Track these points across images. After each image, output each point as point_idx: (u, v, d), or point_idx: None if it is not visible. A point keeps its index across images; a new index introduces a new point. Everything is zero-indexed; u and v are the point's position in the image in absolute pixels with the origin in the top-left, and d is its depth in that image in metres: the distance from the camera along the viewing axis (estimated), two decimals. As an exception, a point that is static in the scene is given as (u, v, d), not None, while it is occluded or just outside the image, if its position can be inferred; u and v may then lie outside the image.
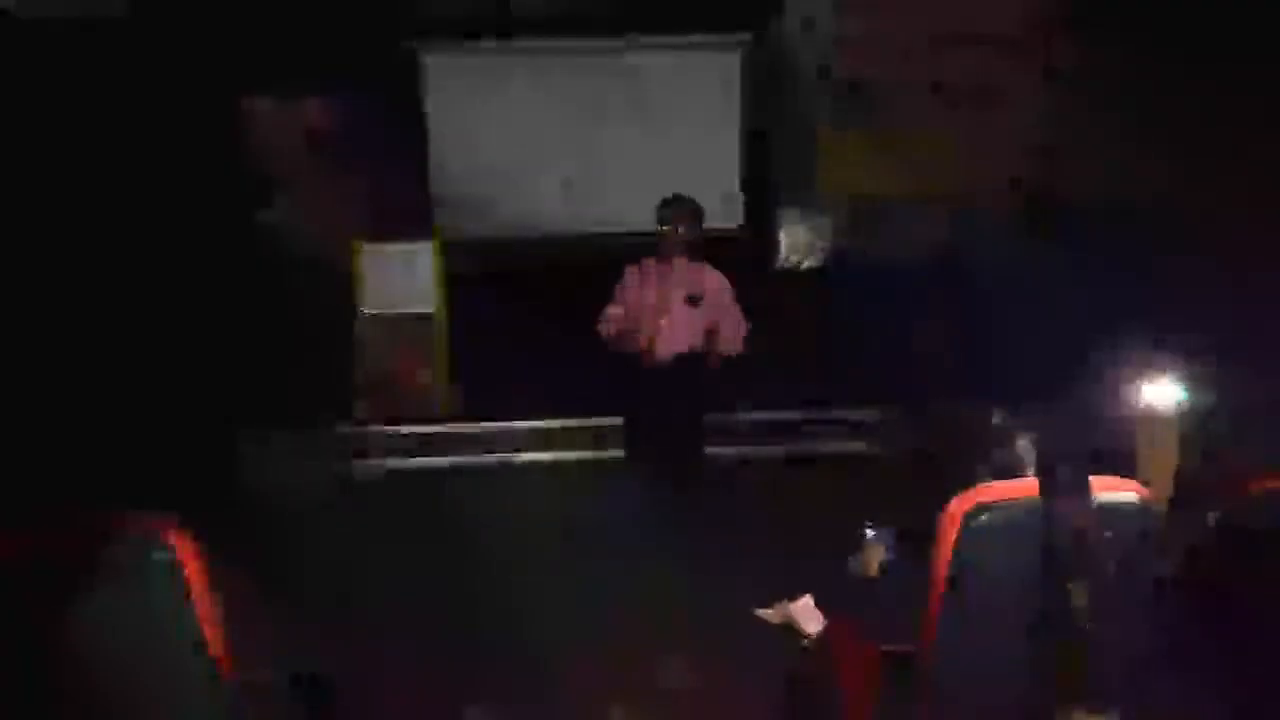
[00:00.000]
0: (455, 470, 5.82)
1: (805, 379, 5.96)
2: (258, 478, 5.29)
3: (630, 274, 4.78)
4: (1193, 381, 2.96)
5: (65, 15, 5.23)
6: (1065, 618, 2.08)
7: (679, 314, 4.64)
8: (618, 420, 5.10)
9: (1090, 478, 2.18)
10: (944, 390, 5.37)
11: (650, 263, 4.73)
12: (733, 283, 4.73)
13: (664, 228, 4.61)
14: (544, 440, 5.98)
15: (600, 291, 4.87)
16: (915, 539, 2.45)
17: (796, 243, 7.07)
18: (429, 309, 6.19)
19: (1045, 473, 2.19)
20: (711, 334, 4.62)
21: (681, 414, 4.72)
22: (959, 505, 2.22)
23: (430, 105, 6.90)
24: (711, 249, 4.82)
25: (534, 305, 5.88)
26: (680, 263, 4.66)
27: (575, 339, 4.92)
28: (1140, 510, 2.23)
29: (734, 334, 4.69)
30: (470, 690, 3.47)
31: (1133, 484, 2.26)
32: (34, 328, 4.61)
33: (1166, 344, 3.11)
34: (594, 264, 5.21)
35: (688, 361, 4.64)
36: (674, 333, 4.64)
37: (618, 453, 5.25)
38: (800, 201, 7.04)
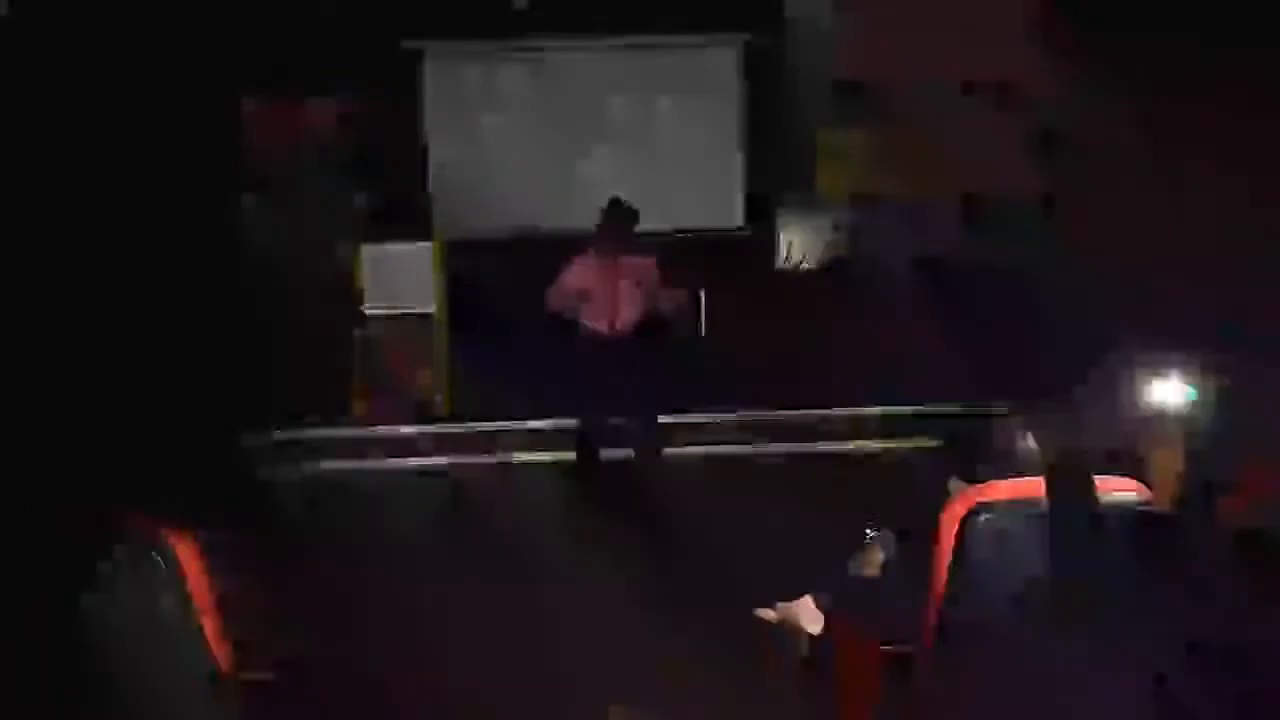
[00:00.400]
0: (454, 470, 5.82)
1: (806, 379, 5.95)
2: (258, 478, 5.29)
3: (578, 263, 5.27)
4: (1200, 381, 2.96)
5: (64, 15, 5.22)
6: (1065, 617, 2.08)
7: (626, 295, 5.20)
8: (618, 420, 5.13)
9: (1094, 477, 2.17)
10: (944, 389, 5.38)
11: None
12: (734, 283, 4.79)
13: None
14: (544, 440, 5.97)
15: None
16: (915, 539, 2.45)
17: (796, 243, 7.07)
18: (429, 309, 6.19)
19: (1049, 472, 2.19)
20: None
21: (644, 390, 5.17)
22: (959, 505, 2.22)
23: (430, 105, 6.90)
24: (712, 249, 4.84)
25: (534, 305, 5.88)
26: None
27: (575, 338, 4.93)
28: (1141, 510, 2.22)
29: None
30: (468, 691, 3.47)
31: (1134, 484, 2.26)
32: (35, 329, 4.61)
33: (1173, 345, 3.10)
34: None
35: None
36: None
37: (616, 452, 5.29)
38: (800, 201, 7.03)
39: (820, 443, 5.88)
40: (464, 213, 6.81)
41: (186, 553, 2.07)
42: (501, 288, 6.17)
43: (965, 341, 5.76)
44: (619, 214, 5.28)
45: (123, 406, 4.59)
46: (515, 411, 5.99)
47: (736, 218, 7.10)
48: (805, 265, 7.07)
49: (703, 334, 5.92)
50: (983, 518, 2.20)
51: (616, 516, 4.83)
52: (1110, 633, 2.12)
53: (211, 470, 5.04)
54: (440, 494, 5.59)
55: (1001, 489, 2.25)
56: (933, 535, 2.26)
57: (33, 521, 2.08)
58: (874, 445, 5.87)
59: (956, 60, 6.67)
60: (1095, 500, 2.15)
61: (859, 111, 6.80)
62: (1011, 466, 2.33)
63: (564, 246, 5.39)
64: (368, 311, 6.13)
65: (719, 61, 7.06)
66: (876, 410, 5.98)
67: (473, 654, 3.74)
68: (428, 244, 6.22)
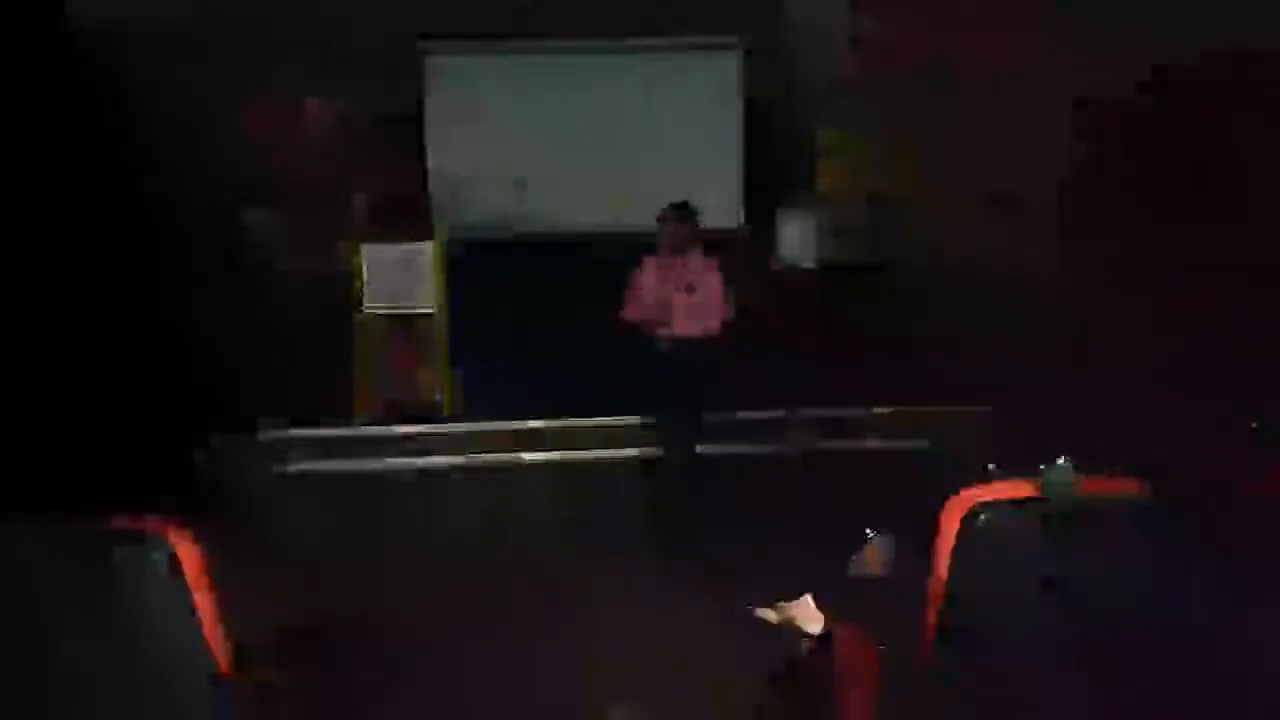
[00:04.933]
0: (456, 470, 5.82)
1: (805, 379, 5.95)
2: (258, 478, 5.29)
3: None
4: None
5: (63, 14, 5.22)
6: (1064, 617, 2.08)
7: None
8: (618, 420, 5.13)
9: (1081, 477, 2.17)
10: (945, 389, 5.37)
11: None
12: (734, 283, 4.79)
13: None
14: (544, 440, 5.97)
15: (599, 290, 4.88)
16: (915, 539, 2.45)
17: (797, 243, 7.07)
18: (429, 309, 6.20)
19: (1044, 471, 2.19)
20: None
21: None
22: (959, 505, 2.22)
23: (430, 105, 6.91)
24: (712, 249, 4.84)
25: (534, 304, 5.89)
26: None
27: (574, 337, 4.93)
28: (1138, 509, 2.22)
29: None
30: (469, 691, 3.47)
31: (1132, 483, 2.26)
32: (34, 329, 4.61)
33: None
34: (593, 263, 5.23)
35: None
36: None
37: (618, 452, 5.28)
38: (800, 201, 7.04)
39: (820, 442, 5.89)
40: (464, 212, 6.82)
41: (186, 553, 2.07)
42: (502, 286, 6.18)
43: (965, 341, 5.75)
44: (679, 217, 5.00)
45: (122, 406, 4.59)
46: (516, 411, 5.99)
47: (736, 218, 7.10)
48: (805, 265, 7.07)
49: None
50: (982, 517, 2.20)
51: (615, 517, 4.83)
52: (1108, 632, 2.12)
53: (212, 470, 5.04)
54: (439, 493, 5.59)
55: (1001, 488, 2.25)
56: (933, 535, 2.27)
57: (31, 521, 2.08)
58: (875, 445, 5.87)
59: (958, 59, 6.67)
60: (1086, 499, 2.15)
61: (860, 111, 6.81)
62: (1011, 465, 2.33)
63: (563, 245, 5.40)
64: (367, 312, 6.14)
65: (719, 62, 7.06)
66: (877, 410, 5.98)
67: (474, 653, 3.75)
68: (428, 244, 6.22)
